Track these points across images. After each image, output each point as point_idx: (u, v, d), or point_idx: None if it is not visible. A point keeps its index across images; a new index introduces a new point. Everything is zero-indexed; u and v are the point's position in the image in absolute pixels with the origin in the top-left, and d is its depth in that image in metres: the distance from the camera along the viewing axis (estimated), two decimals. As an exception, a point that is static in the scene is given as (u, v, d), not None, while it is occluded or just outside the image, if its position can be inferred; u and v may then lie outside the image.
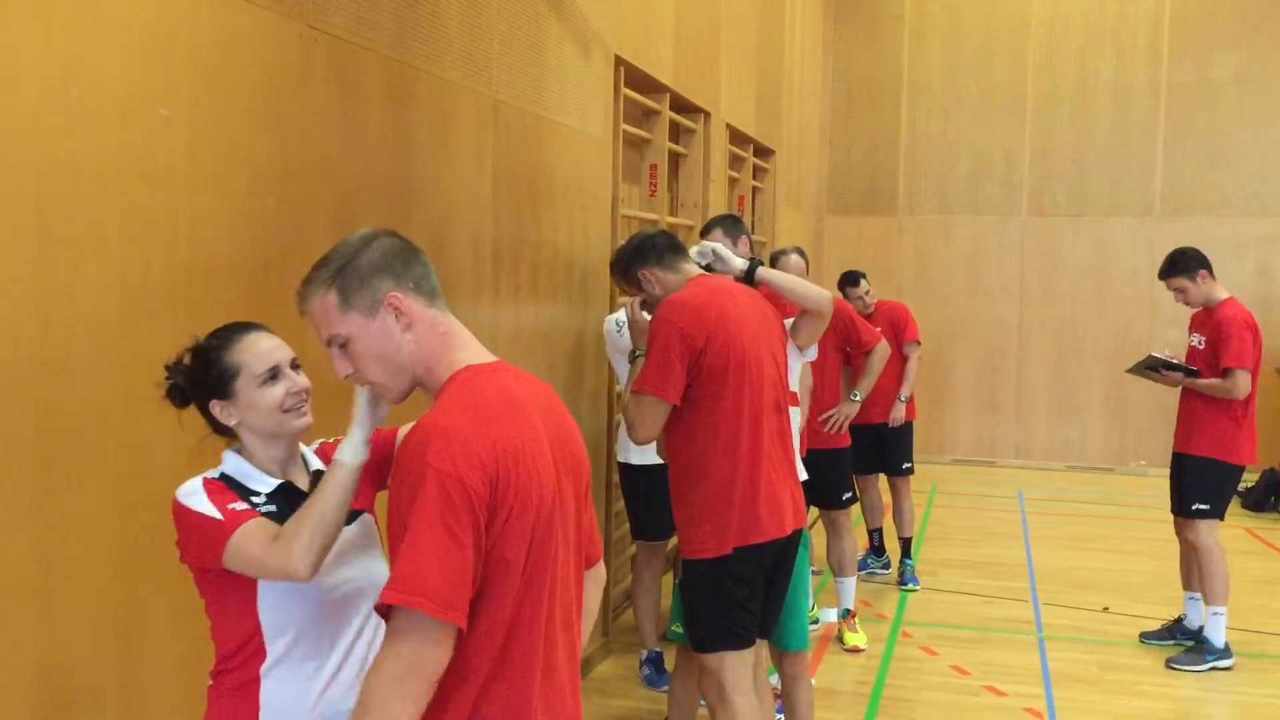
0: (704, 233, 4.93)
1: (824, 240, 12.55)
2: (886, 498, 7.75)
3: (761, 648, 3.97)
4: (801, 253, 6.04)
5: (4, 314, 2.33)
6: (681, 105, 7.31)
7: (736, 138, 8.73)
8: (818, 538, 6.67)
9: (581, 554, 2.19)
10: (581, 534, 2.19)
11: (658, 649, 5.60)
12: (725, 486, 3.64)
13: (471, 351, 2.11)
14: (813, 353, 4.34)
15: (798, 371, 4.31)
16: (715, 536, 3.64)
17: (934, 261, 12.39)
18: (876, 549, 7.73)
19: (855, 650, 6.14)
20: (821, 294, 4.20)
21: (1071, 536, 9.06)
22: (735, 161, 8.92)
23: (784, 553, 3.80)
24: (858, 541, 6.71)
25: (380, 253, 2.08)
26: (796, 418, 4.40)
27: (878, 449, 7.36)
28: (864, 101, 12.61)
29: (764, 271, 4.09)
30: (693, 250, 4.10)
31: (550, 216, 5.14)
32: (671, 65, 6.86)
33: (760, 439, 3.68)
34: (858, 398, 6.15)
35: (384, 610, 1.88)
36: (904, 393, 7.36)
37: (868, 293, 7.42)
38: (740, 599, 3.64)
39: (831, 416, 6.09)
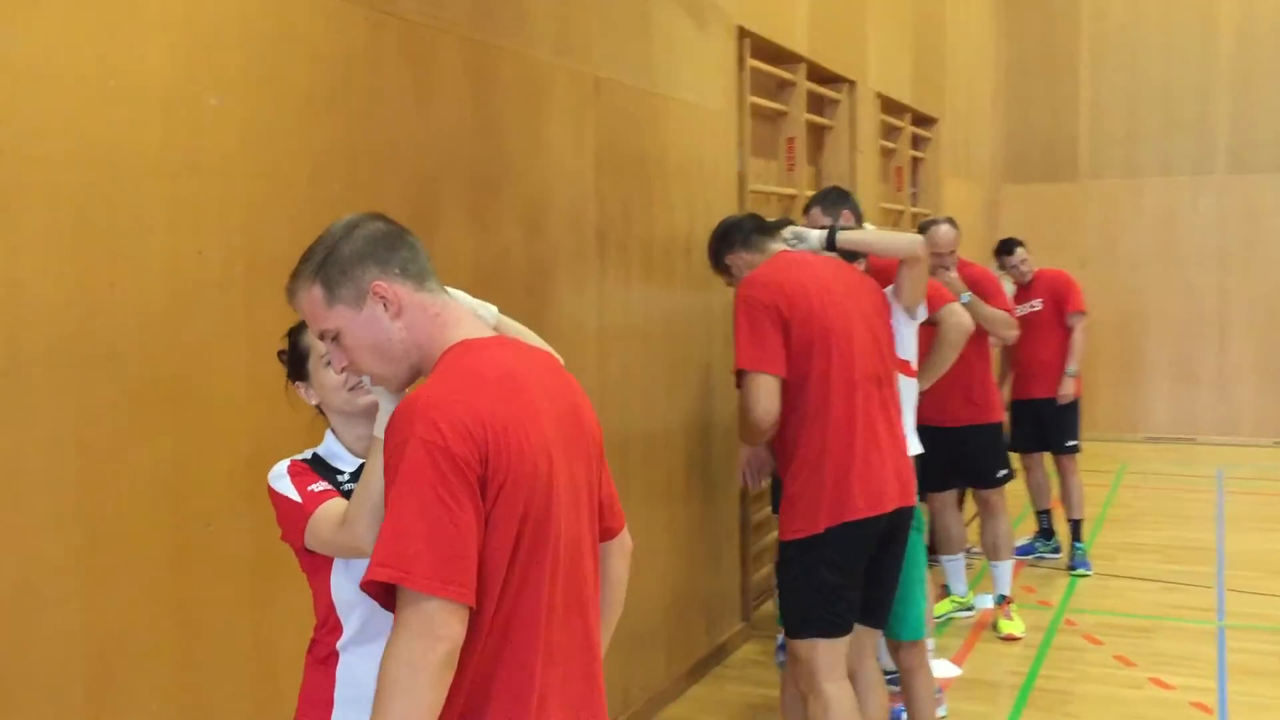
0: (806, 210, 4.76)
1: (1001, 211, 11.98)
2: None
3: (870, 634, 3.77)
4: (952, 222, 5.77)
5: (43, 305, 2.39)
6: (821, 75, 7.06)
7: (890, 107, 8.40)
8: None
9: (596, 529, 2.10)
10: (598, 507, 2.10)
11: (794, 636, 5.43)
12: (815, 465, 3.47)
13: (466, 328, 2.04)
14: (923, 313, 4.11)
15: (909, 338, 4.08)
16: (806, 516, 3.47)
17: (1121, 228, 11.67)
18: (1045, 532, 7.31)
19: (1011, 639, 5.81)
20: (905, 239, 4.06)
21: (1273, 518, 8.38)
22: (890, 132, 8.58)
23: (889, 533, 3.59)
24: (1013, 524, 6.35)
25: (362, 240, 2.01)
26: (912, 388, 4.16)
27: (1039, 427, 6.95)
28: (1040, 62, 11.96)
29: (843, 235, 3.90)
30: (785, 232, 3.96)
31: (664, 195, 5.03)
32: (807, 34, 6.63)
33: (853, 413, 3.49)
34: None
35: (374, 590, 1.82)
36: (1072, 366, 6.91)
37: (1024, 260, 7.02)
38: (833, 584, 3.46)
39: None
